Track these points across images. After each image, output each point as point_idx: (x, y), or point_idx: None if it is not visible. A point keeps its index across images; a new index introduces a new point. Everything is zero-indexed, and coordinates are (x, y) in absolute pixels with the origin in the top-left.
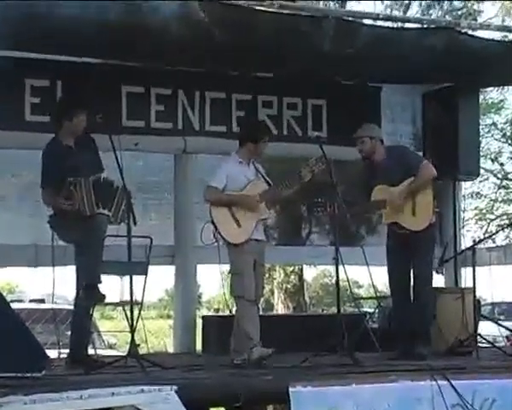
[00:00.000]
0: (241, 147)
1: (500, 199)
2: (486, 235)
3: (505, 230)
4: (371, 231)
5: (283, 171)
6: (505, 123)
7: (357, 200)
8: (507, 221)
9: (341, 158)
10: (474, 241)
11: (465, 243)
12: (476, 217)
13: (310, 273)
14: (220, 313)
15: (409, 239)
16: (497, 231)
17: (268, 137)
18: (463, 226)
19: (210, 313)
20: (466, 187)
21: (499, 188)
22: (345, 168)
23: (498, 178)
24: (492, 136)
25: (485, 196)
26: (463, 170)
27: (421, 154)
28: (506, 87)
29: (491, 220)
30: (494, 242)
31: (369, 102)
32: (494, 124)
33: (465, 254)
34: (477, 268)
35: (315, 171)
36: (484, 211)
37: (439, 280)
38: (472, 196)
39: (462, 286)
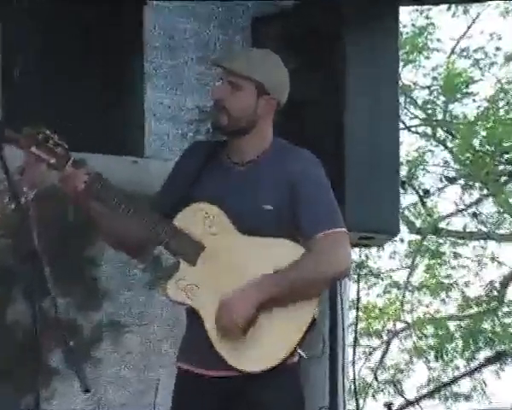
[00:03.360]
0: None
1: (428, 279)
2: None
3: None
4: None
5: None
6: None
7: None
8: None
9: None
10: (388, 406)
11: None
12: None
13: None
14: None
15: (235, 393)
16: (436, 388)
17: None
18: (354, 363)
19: None
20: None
21: (415, 253)
22: None
23: (421, 233)
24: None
25: (381, 277)
26: (355, 221)
27: None
28: None
29: (395, 335)
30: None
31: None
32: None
33: None
34: None
35: None
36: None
37: None
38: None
39: None
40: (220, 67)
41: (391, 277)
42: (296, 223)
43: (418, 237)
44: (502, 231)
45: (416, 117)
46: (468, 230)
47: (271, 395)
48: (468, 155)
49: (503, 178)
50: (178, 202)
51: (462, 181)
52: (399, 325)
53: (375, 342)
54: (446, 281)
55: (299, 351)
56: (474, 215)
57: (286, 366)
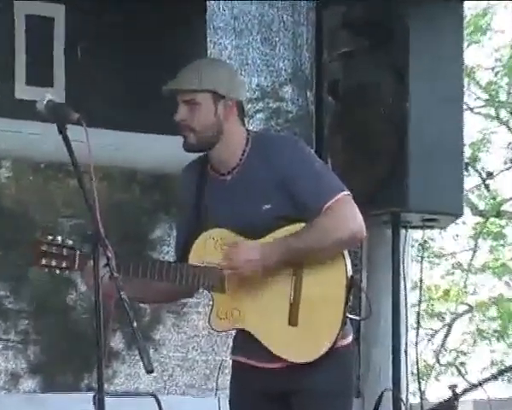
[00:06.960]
0: None
1: (491, 261)
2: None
3: None
4: None
5: None
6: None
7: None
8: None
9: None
10: (452, 389)
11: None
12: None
13: None
14: None
15: (284, 384)
16: (499, 373)
17: None
18: (416, 344)
19: None
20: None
21: (478, 235)
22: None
23: (484, 215)
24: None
25: (444, 258)
26: (419, 202)
27: None
28: None
29: (455, 319)
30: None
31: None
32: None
33: None
34: None
35: None
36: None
37: None
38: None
39: None
40: (172, 92)
41: (454, 258)
42: (303, 207)
43: (481, 219)
44: None
45: (479, 98)
46: None
47: (319, 380)
48: None
49: None
50: (195, 235)
51: None
52: (462, 307)
53: (438, 324)
54: (510, 263)
55: (350, 316)
56: None
57: (335, 349)
